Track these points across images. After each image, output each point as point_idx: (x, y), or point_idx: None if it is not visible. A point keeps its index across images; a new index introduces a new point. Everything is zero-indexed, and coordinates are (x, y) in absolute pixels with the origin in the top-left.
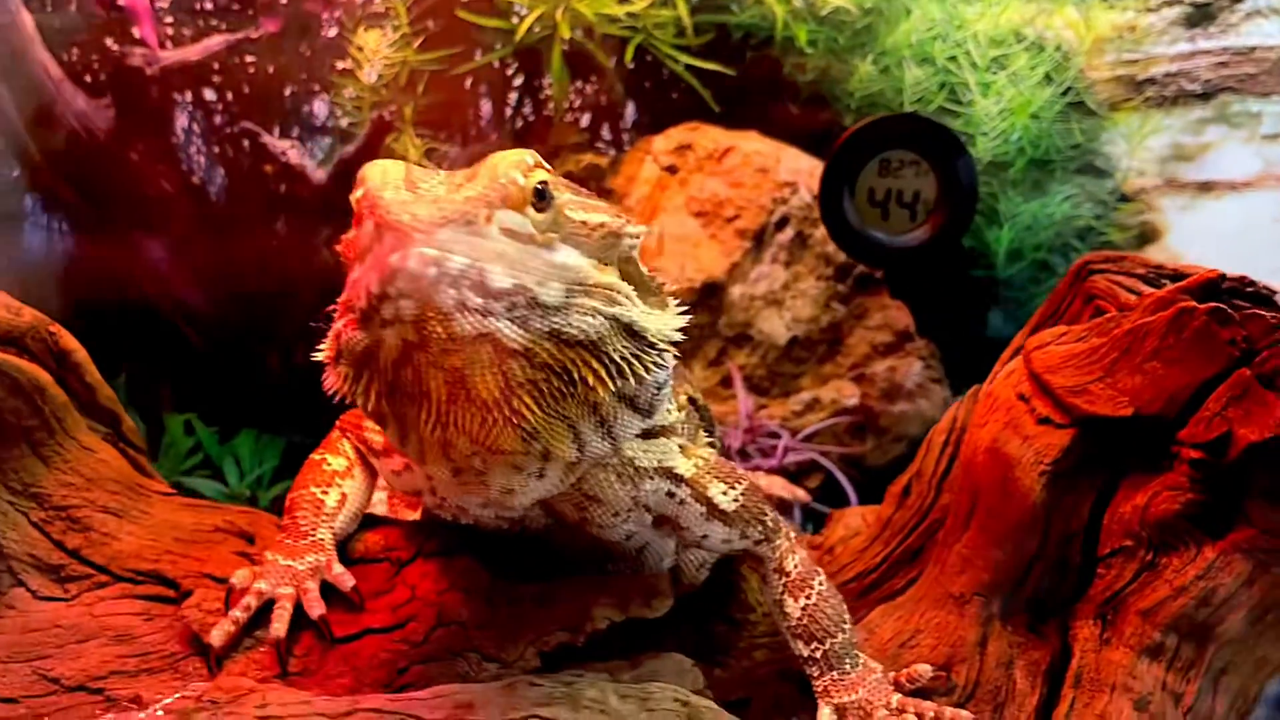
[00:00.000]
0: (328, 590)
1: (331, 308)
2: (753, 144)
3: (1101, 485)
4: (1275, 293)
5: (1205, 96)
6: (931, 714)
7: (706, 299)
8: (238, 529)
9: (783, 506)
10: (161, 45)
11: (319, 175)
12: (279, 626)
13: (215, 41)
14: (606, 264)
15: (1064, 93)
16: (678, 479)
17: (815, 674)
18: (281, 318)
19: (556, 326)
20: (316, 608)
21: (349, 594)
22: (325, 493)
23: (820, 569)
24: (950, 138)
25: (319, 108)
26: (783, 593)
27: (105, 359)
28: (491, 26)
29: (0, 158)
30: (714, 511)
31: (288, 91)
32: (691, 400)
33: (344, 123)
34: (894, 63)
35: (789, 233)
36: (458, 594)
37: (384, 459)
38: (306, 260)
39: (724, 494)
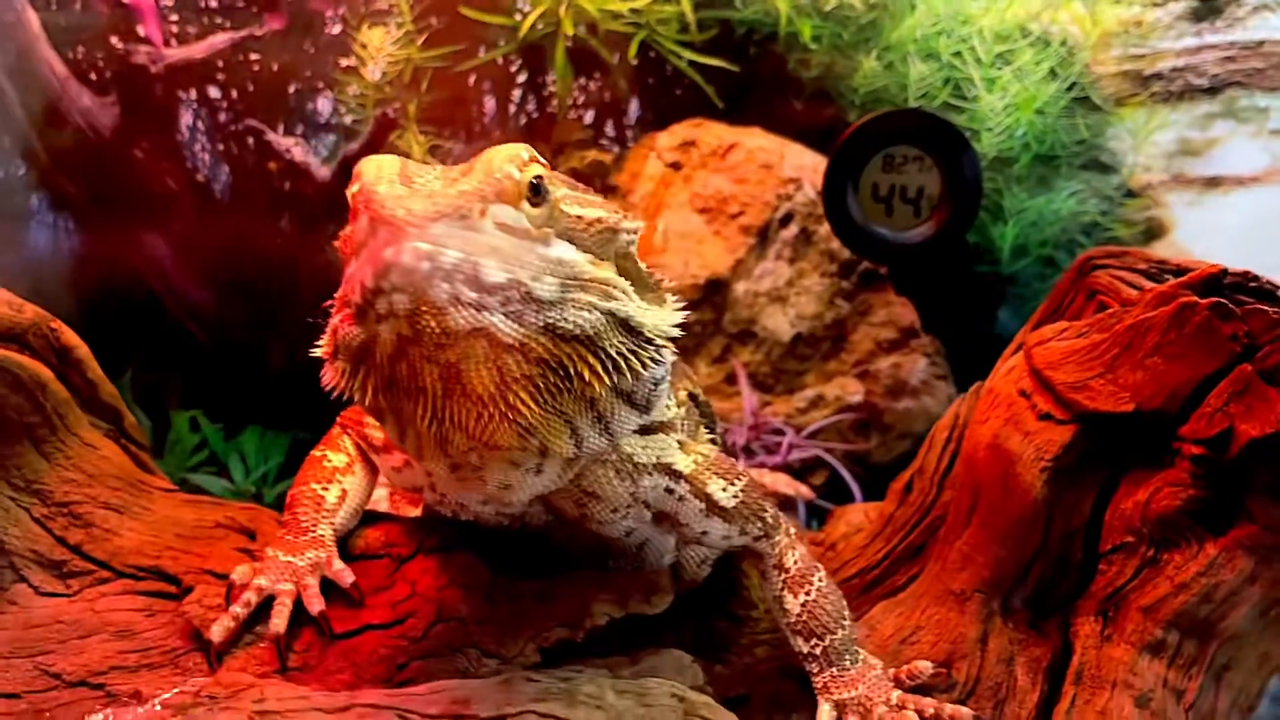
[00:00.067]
0: (328, 586)
1: (329, 303)
2: (757, 140)
3: (1103, 481)
4: (1278, 288)
5: (1212, 91)
6: (931, 710)
7: (711, 296)
8: (239, 525)
9: (787, 503)
10: (166, 43)
11: (323, 172)
12: (279, 622)
13: (220, 39)
14: (603, 259)
15: (1069, 88)
16: (677, 475)
17: (815, 670)
18: (286, 314)
19: (552, 321)
20: (316, 604)
21: (349, 590)
22: (326, 489)
23: (820, 565)
24: (954, 133)
25: (323, 105)
26: (782, 589)
27: (111, 356)
28: (495, 23)
29: (6, 156)
30: (713, 508)
31: (292, 89)
32: (692, 396)
33: (348, 120)
34: (898, 58)
35: (793, 229)
36: (457, 590)
37: (384, 455)
38: (311, 257)
39: (723, 490)
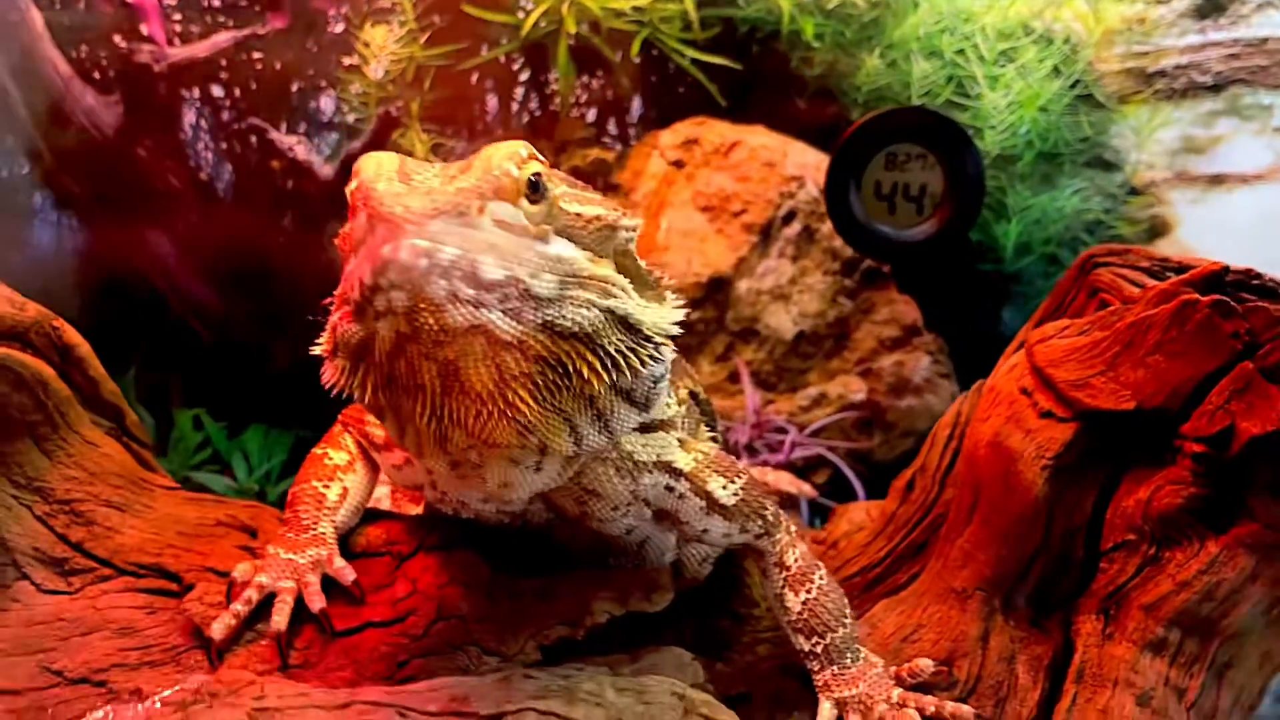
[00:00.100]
0: (329, 584)
1: (328, 301)
2: (759, 138)
3: (1104, 479)
4: None
5: (1216, 89)
6: (932, 708)
7: (713, 294)
8: (240, 523)
9: (789, 502)
10: (169, 42)
11: (326, 171)
12: (279, 620)
13: (223, 38)
14: (602, 256)
15: (1073, 85)
16: (677, 473)
17: (816, 668)
18: (289, 313)
19: (550, 318)
20: (317, 601)
21: (350, 588)
22: (327, 487)
23: (821, 563)
24: (957, 131)
25: (326, 103)
26: (783, 587)
27: (115, 354)
28: (498, 21)
29: (10, 155)
30: (713, 506)
31: (295, 87)
32: (693, 394)
33: (351, 118)
34: (901, 56)
35: (796, 227)
36: (458, 588)
37: (385, 453)
38: (314, 256)
39: (723, 488)
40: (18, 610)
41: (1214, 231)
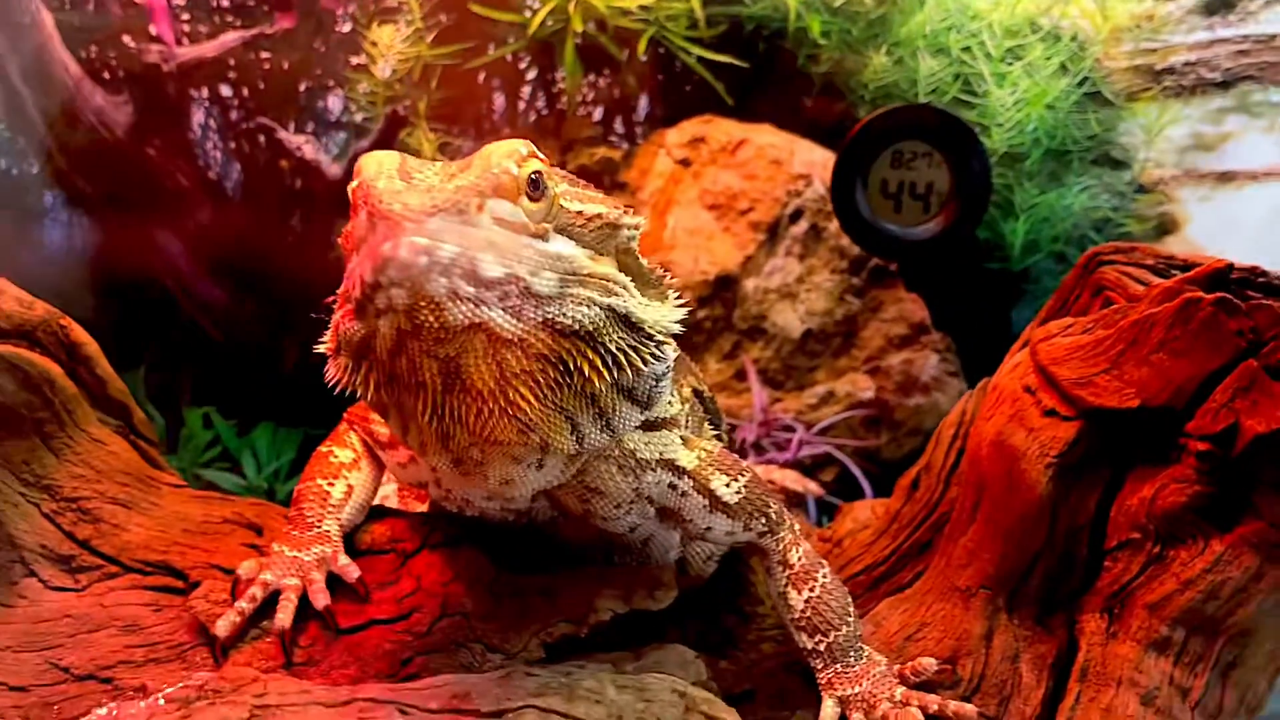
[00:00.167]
0: (334, 581)
1: (331, 299)
2: (766, 136)
3: (1108, 478)
4: None
5: (1225, 85)
6: (935, 707)
7: (720, 292)
8: (246, 521)
9: (796, 500)
10: (178, 42)
11: (334, 170)
12: (284, 617)
13: (231, 38)
14: (603, 255)
15: (1080, 83)
16: (680, 471)
17: (819, 666)
18: (298, 312)
19: (550, 316)
20: (321, 598)
21: (354, 585)
22: (332, 485)
23: (825, 561)
24: (964, 129)
25: (334, 103)
26: (786, 585)
27: (125, 353)
28: (505, 20)
29: (21, 155)
30: (716, 504)
31: (303, 87)
32: (696, 392)
33: (358, 118)
34: (908, 54)
35: (803, 225)
36: (462, 585)
37: (390, 451)
38: (322, 254)
39: (726, 486)
40: (25, 607)
41: (1223, 229)
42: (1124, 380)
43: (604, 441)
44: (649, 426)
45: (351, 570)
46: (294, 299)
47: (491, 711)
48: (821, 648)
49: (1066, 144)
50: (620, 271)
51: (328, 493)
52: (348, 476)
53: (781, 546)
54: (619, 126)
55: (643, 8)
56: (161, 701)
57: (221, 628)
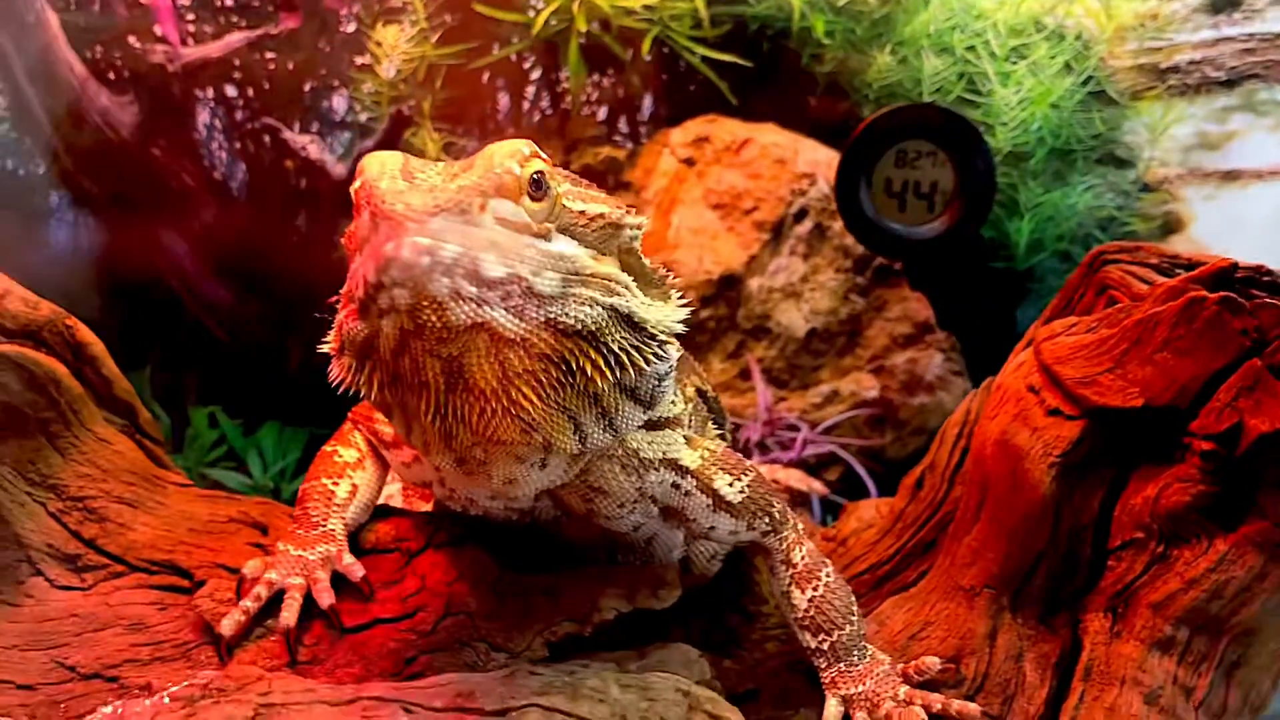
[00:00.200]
0: (339, 580)
1: (334, 299)
2: (770, 136)
3: (1112, 477)
4: None
5: (1230, 84)
6: (939, 706)
7: (724, 291)
8: (252, 520)
9: (801, 499)
10: (183, 42)
11: (339, 170)
12: (288, 616)
13: (236, 38)
14: (606, 254)
15: (1085, 82)
16: (683, 470)
17: (822, 665)
18: (303, 311)
19: (553, 316)
20: (326, 597)
21: (359, 584)
22: (336, 484)
23: (828, 560)
24: (968, 128)
25: (338, 103)
26: (790, 584)
27: (131, 353)
28: (509, 20)
29: (27, 155)
30: (720, 503)
31: (307, 87)
32: (700, 392)
33: (363, 117)
34: (912, 53)
35: (807, 224)
36: (466, 584)
37: (394, 451)
38: (327, 254)
39: (730, 485)
40: (32, 606)
41: (1228, 228)
42: (1128, 379)
43: (607, 441)
44: (652, 426)
45: (356, 569)
46: (299, 298)
47: (495, 710)
48: (825, 647)
49: (1071, 143)
50: (623, 271)
51: (332, 492)
52: (352, 476)
53: (785, 546)
54: (623, 126)
55: (647, 7)
56: (166, 700)
57: (227, 626)
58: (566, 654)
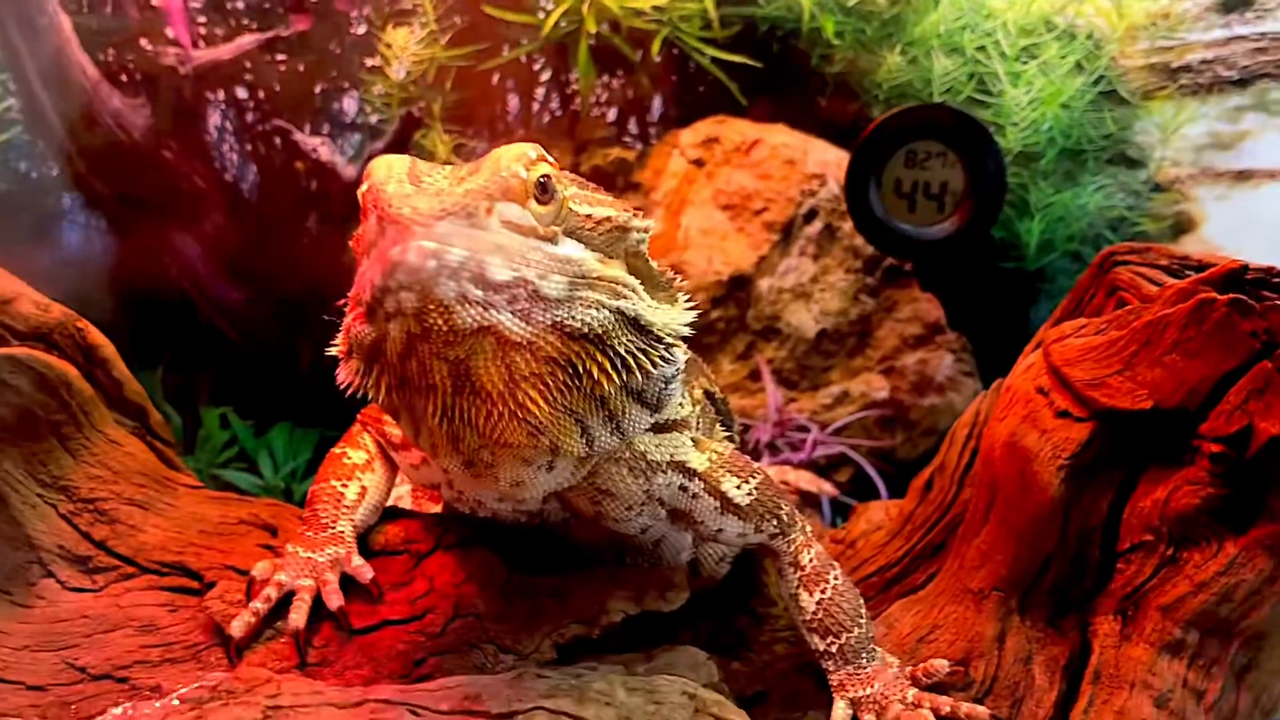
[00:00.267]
0: (348, 582)
1: (342, 302)
2: (780, 136)
3: (1121, 480)
4: None
5: (1242, 83)
6: (948, 709)
7: (734, 292)
8: (262, 521)
9: (810, 500)
10: (194, 45)
11: (349, 171)
12: (297, 618)
13: (247, 40)
14: (613, 258)
15: (1095, 82)
16: (690, 473)
17: (831, 668)
18: (314, 313)
19: (560, 319)
20: (335, 599)
21: (368, 586)
22: (345, 486)
23: (837, 563)
24: (978, 128)
25: (349, 105)
26: (798, 586)
27: (142, 354)
28: (518, 22)
29: (39, 157)
30: (728, 505)
31: (318, 89)
32: (708, 394)
33: (373, 119)
34: (922, 53)
35: (817, 225)
36: (475, 586)
37: (403, 452)
38: (338, 256)
39: (737, 488)
40: (43, 607)
41: (1240, 228)
42: (1137, 381)
43: (614, 444)
44: (660, 429)
45: (365, 571)
46: (310, 300)
47: (502, 713)
48: (833, 649)
49: (1082, 143)
50: (630, 274)
51: (341, 494)
52: (361, 478)
53: (793, 548)
54: (633, 127)
55: (656, 8)
56: (176, 701)
57: (236, 628)
58: (574, 656)
